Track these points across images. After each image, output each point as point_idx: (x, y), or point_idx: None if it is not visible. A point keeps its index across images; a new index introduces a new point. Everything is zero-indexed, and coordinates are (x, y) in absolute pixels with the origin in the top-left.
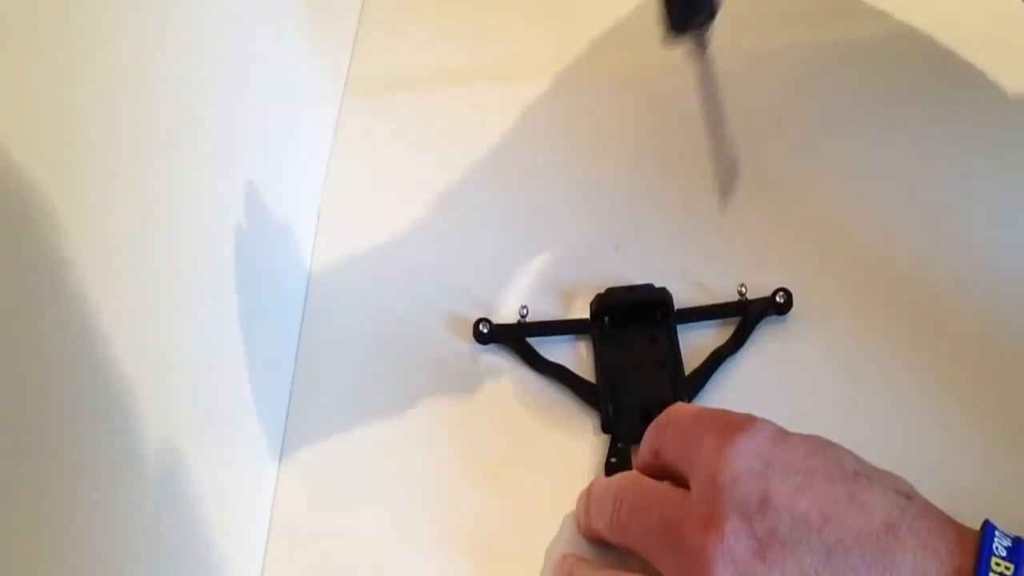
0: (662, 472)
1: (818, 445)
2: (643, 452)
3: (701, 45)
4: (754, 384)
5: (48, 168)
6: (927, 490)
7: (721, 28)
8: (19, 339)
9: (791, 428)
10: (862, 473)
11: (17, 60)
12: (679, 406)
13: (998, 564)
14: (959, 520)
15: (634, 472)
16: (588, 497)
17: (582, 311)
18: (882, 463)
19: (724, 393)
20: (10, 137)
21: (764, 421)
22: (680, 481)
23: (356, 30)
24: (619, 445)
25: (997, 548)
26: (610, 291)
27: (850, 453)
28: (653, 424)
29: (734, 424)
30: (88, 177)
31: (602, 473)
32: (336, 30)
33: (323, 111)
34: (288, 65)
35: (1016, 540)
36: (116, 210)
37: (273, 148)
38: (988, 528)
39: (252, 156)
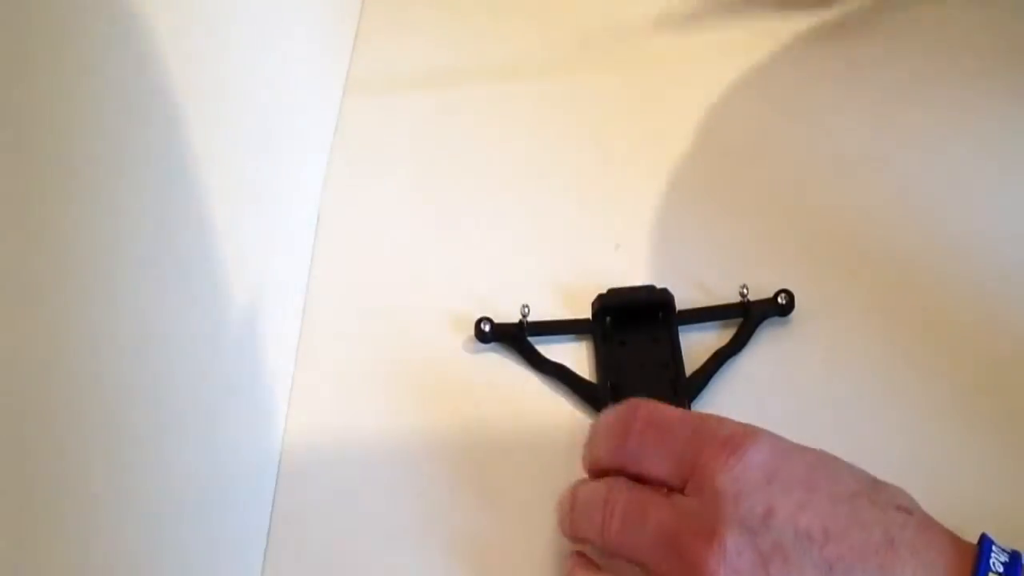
0: (632, 477)
1: (820, 460)
2: (603, 453)
3: None
4: (755, 385)
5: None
6: (928, 494)
7: (725, 25)
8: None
9: (793, 429)
10: (863, 491)
11: None
12: (640, 404)
13: None
14: (962, 525)
15: (622, 478)
16: (573, 502)
17: (583, 311)
18: (883, 466)
19: (725, 394)
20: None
21: (766, 432)
22: (662, 487)
23: (356, 30)
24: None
25: (994, 564)
26: (612, 291)
27: (851, 467)
28: (614, 422)
29: (736, 435)
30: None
31: None
32: (336, 30)
33: (323, 111)
34: (288, 65)
35: (1013, 555)
36: (113, 219)
37: (273, 148)
38: (985, 543)
39: (252, 156)
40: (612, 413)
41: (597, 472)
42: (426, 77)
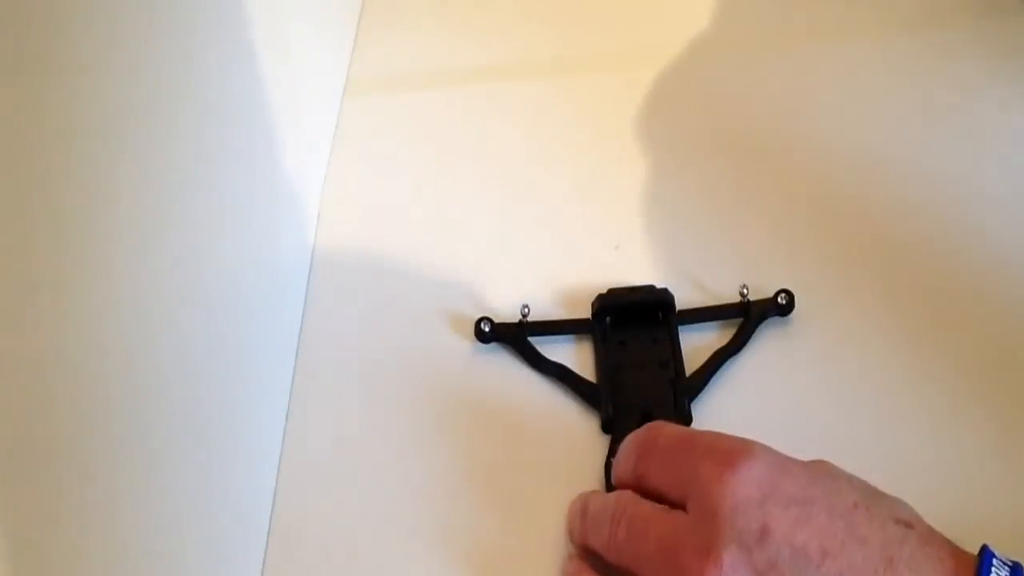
0: (645, 494)
1: (818, 474)
2: (622, 472)
3: None
4: (755, 385)
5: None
6: (928, 495)
7: (726, 25)
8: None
9: (792, 429)
10: (861, 504)
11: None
12: (660, 427)
13: None
14: (963, 528)
15: (630, 492)
16: (583, 513)
17: (583, 311)
18: (883, 467)
19: (725, 395)
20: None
21: (762, 447)
22: (670, 505)
23: (356, 30)
24: (619, 445)
25: None
26: (612, 291)
27: (850, 480)
28: (633, 444)
29: (732, 451)
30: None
31: (602, 474)
32: (336, 30)
33: (323, 111)
34: (288, 65)
35: (1014, 567)
36: (113, 217)
37: (273, 148)
38: (986, 556)
39: (252, 156)
40: (632, 434)
41: (621, 489)
42: (426, 77)
